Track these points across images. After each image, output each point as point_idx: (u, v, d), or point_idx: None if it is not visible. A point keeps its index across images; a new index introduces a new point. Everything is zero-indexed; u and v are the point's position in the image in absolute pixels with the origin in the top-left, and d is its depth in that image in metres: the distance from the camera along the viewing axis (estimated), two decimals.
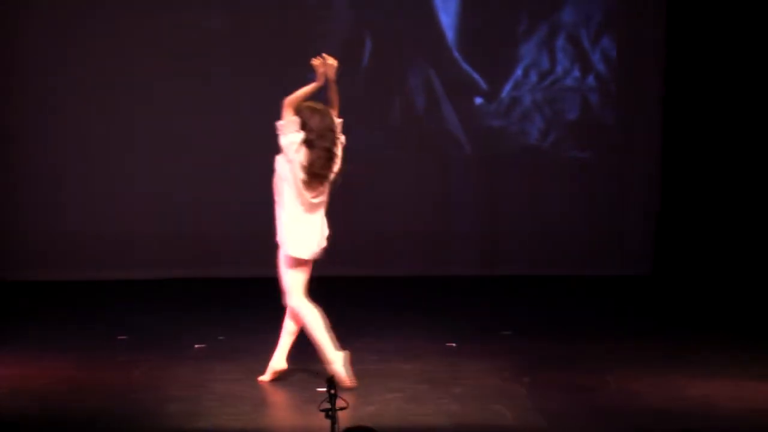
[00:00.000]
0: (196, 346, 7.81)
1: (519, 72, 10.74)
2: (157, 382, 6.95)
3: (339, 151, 6.86)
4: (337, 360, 6.75)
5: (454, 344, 7.88)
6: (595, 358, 7.60)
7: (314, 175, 6.72)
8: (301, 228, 6.80)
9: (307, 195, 6.77)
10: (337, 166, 6.83)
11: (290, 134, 6.73)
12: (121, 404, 6.49)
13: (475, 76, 10.70)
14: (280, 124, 6.80)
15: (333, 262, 10.29)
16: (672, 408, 6.45)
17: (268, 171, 10.06)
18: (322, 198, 6.85)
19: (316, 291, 9.83)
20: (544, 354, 7.70)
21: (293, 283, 6.91)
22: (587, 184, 10.76)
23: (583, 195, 10.74)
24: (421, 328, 8.36)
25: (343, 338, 8.02)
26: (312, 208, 6.83)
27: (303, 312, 6.89)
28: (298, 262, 6.88)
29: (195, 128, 10.26)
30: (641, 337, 8.28)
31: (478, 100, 10.74)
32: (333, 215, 10.32)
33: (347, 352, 6.80)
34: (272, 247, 10.34)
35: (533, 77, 10.74)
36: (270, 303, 9.33)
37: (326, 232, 6.96)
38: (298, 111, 6.80)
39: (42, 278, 10.03)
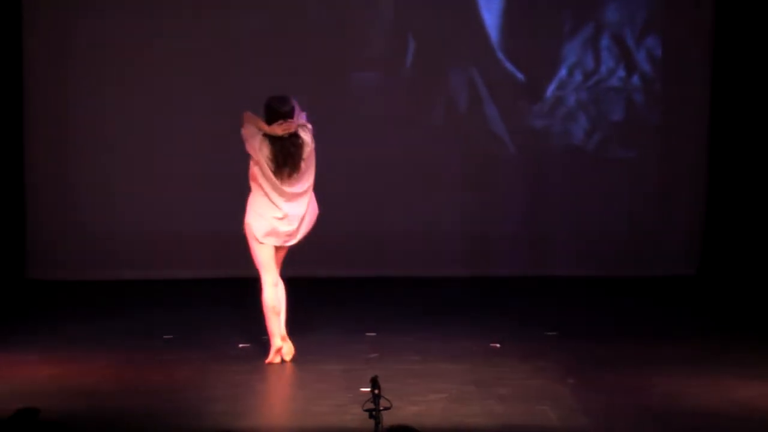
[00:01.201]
0: (240, 345, 7.84)
1: (563, 72, 10.69)
2: (201, 381, 6.99)
3: (305, 137, 7.28)
4: (276, 344, 7.31)
5: (497, 345, 7.85)
6: (640, 358, 7.54)
7: (280, 165, 7.18)
8: (269, 213, 7.24)
9: (284, 186, 7.24)
10: (305, 152, 7.26)
11: (252, 140, 7.20)
12: (166, 403, 6.52)
13: (519, 75, 10.66)
14: (243, 133, 7.26)
15: (377, 262, 10.43)
16: (719, 410, 6.38)
17: None
18: (301, 187, 7.28)
19: (363, 292, 9.91)
20: (588, 355, 7.65)
21: (258, 260, 7.39)
22: (632, 184, 10.69)
23: (628, 195, 10.67)
24: (464, 329, 8.34)
25: (386, 338, 8.05)
26: (289, 197, 7.28)
27: (262, 290, 7.36)
28: (260, 242, 7.32)
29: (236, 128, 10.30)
30: (687, 337, 8.21)
31: (522, 100, 10.70)
32: (378, 215, 10.46)
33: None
34: (313, 248, 10.43)
35: (578, 77, 10.69)
36: (312, 303, 9.40)
37: (308, 221, 7.43)
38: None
39: (88, 278, 10.13)
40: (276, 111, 7.29)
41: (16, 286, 10.10)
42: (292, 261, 10.24)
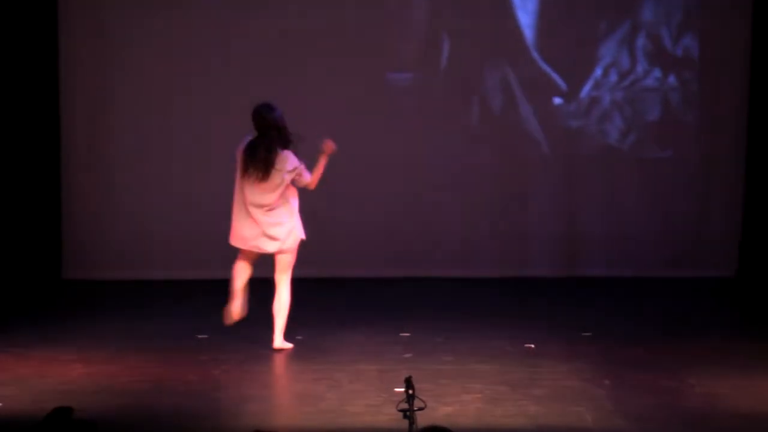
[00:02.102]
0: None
1: (598, 71, 10.62)
2: (236, 381, 7.00)
3: (285, 153, 7.50)
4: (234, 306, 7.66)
5: (532, 345, 7.81)
6: (677, 360, 7.48)
7: (248, 163, 7.48)
8: (239, 222, 7.60)
9: (253, 192, 7.51)
10: (279, 161, 7.45)
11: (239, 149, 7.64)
12: (201, 403, 6.54)
13: (554, 75, 10.61)
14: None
15: (410, 262, 10.41)
16: (756, 412, 6.32)
17: (349, 171, 10.15)
18: (268, 198, 7.49)
19: (396, 292, 9.89)
20: (624, 356, 7.60)
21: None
22: (668, 184, 10.61)
23: (664, 196, 10.59)
24: (498, 329, 8.31)
25: (420, 338, 8.03)
26: (255, 206, 7.54)
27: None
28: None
29: None
30: (725, 339, 8.13)
31: (557, 100, 10.65)
32: (412, 215, 10.43)
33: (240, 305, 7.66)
34: (346, 248, 10.42)
35: (613, 77, 10.62)
36: (346, 303, 9.40)
37: (271, 232, 7.57)
38: None
39: (123, 278, 10.18)
40: (263, 117, 7.59)
41: (52, 286, 10.17)
42: (327, 261, 10.28)
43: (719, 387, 6.82)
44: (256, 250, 7.63)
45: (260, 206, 7.54)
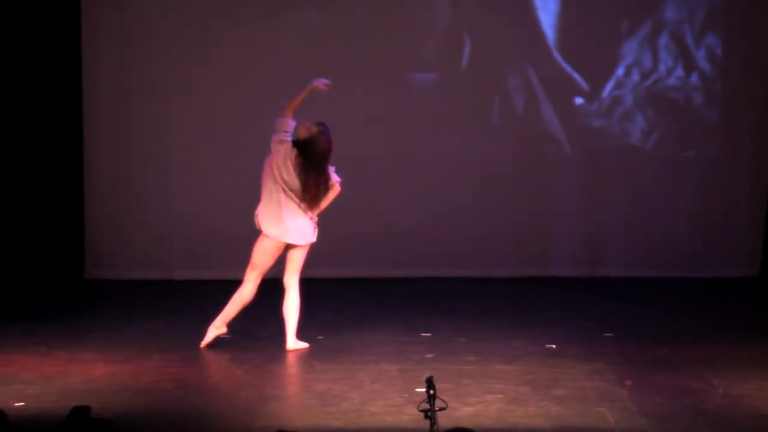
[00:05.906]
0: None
1: (620, 71, 10.60)
2: (259, 380, 7.02)
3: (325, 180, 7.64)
4: (220, 328, 7.70)
5: (554, 346, 7.80)
6: (699, 360, 7.45)
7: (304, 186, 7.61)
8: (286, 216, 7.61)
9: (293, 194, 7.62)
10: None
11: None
12: (224, 403, 6.56)
13: (576, 75, 10.59)
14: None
15: (432, 262, 10.41)
16: None
17: (369, 170, 10.14)
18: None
19: (417, 292, 9.90)
20: (646, 356, 7.58)
21: (256, 259, 7.72)
22: (691, 184, 10.58)
23: (686, 195, 10.57)
24: (519, 329, 8.30)
25: (441, 338, 8.03)
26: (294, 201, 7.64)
27: (243, 285, 7.70)
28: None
29: None
30: (748, 339, 8.10)
31: (579, 100, 10.64)
32: (434, 215, 10.44)
33: (226, 331, 7.73)
34: (367, 248, 10.43)
35: (635, 76, 10.60)
36: (367, 303, 9.41)
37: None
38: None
39: (145, 278, 10.23)
40: (329, 141, 7.62)
41: (74, 285, 10.22)
42: (348, 261, 10.29)
43: (743, 388, 6.78)
44: (292, 242, 7.62)
45: (297, 202, 7.61)
